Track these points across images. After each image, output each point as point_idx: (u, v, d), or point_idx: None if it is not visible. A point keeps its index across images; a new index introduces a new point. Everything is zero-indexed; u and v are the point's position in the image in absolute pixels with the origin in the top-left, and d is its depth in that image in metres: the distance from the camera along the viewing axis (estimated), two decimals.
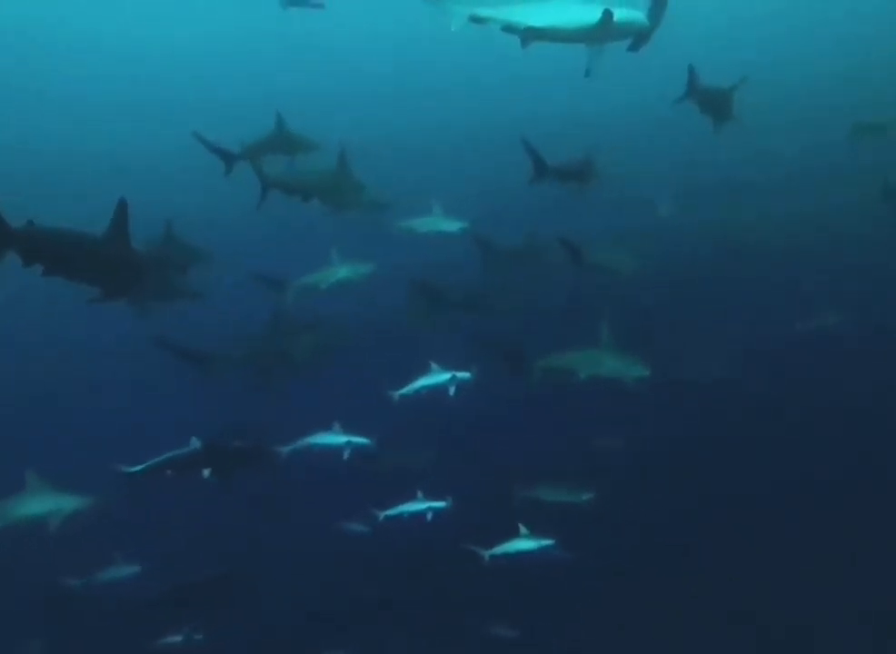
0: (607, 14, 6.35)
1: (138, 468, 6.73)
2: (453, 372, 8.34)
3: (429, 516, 8.25)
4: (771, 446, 9.45)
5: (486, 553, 7.86)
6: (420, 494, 8.34)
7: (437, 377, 8.38)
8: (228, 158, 8.53)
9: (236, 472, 7.00)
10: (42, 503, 7.46)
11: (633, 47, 7.03)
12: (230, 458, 6.97)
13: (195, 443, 6.91)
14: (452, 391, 8.27)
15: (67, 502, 7.48)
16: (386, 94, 23.81)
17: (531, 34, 6.43)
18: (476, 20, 6.44)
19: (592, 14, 6.39)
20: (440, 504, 8.28)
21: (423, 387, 8.34)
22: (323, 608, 8.86)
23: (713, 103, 8.58)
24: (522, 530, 7.96)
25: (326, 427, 8.17)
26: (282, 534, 9.33)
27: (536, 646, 8.58)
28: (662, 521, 9.32)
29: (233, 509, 8.84)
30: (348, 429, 8.13)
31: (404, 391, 8.33)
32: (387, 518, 8.31)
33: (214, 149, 8.55)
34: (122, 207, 5.18)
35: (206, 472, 6.88)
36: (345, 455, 8.03)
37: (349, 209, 9.05)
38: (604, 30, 6.49)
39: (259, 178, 8.02)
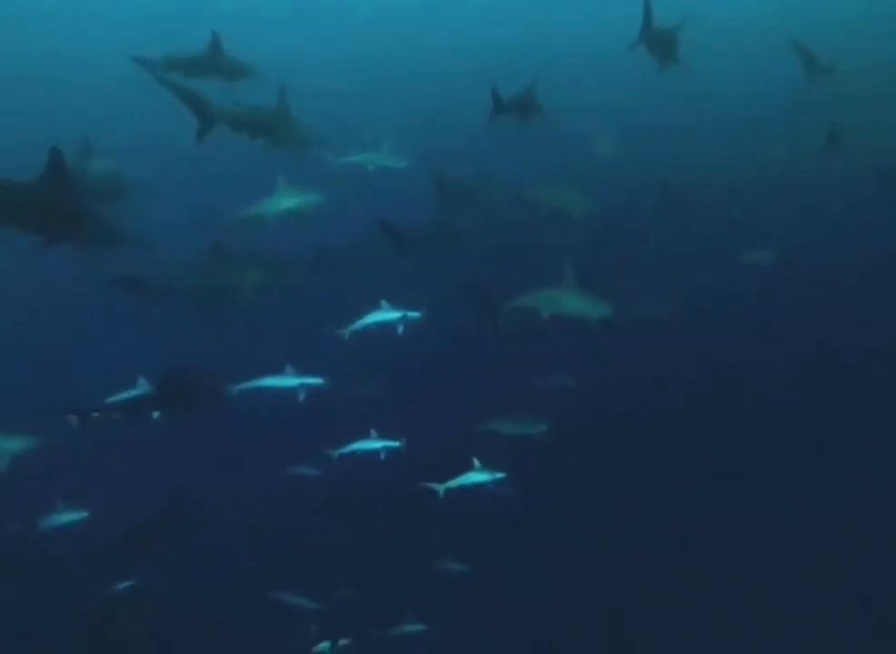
0: None
1: (87, 409, 6.63)
2: (404, 311, 8.45)
3: (383, 455, 8.43)
4: (719, 382, 9.98)
5: (441, 487, 8.09)
6: (373, 433, 8.49)
7: (387, 315, 8.45)
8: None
9: (186, 411, 6.94)
10: None
11: None
12: (180, 395, 6.89)
13: (144, 385, 6.83)
14: (400, 329, 8.39)
15: (13, 443, 7.34)
16: (329, 21, 22.93)
17: None
18: None
19: None
20: (394, 443, 8.45)
21: (373, 324, 8.40)
22: (278, 547, 9.02)
23: (660, 44, 8.68)
24: (476, 463, 8.20)
25: (278, 370, 8.16)
26: (234, 476, 9.38)
27: (486, 581, 9.00)
28: (611, 459, 9.81)
29: (185, 454, 8.83)
30: (300, 369, 8.14)
31: (354, 327, 8.37)
32: (341, 456, 8.41)
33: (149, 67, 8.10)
34: (54, 153, 5.09)
35: (156, 414, 6.83)
36: (300, 396, 8.07)
37: (290, 147, 8.87)
38: None
39: (197, 110, 7.72)
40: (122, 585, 7.82)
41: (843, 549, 8.63)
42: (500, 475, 8.20)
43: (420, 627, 8.78)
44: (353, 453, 8.43)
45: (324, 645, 8.30)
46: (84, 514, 7.80)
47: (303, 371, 8.11)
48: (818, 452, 9.48)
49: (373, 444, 8.46)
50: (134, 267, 7.81)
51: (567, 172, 11.15)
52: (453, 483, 8.09)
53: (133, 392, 6.82)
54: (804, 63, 11.04)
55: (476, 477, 8.17)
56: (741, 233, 12.25)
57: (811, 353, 10.51)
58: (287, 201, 9.22)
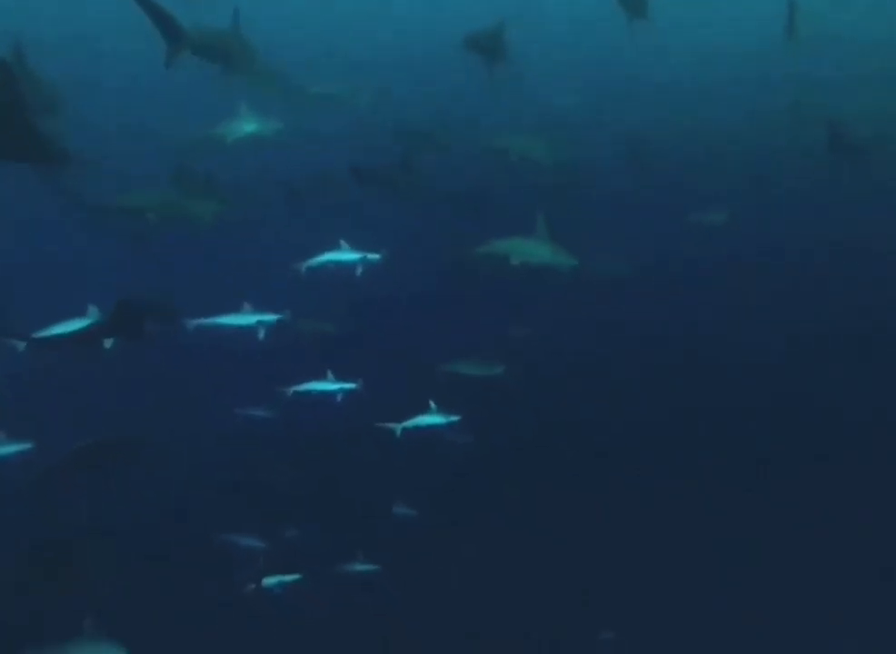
0: None
1: (37, 337, 6.49)
2: (364, 253, 8.46)
3: (339, 397, 8.52)
4: (673, 335, 10.32)
5: (398, 426, 8.26)
6: (329, 375, 8.54)
7: (346, 254, 8.49)
8: None
9: (138, 340, 6.81)
10: None
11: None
12: (132, 324, 6.75)
13: (94, 313, 6.68)
14: (359, 271, 8.42)
15: None
16: None
17: None
18: None
19: None
20: (350, 385, 8.53)
21: (331, 262, 8.41)
22: (227, 484, 9.07)
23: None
24: (432, 405, 8.39)
25: (236, 306, 8.09)
26: (185, 411, 9.35)
27: (437, 525, 9.23)
28: (566, 409, 10.09)
29: (136, 386, 8.74)
30: (257, 304, 8.08)
31: (311, 262, 8.38)
32: (296, 394, 8.47)
33: None
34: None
35: (108, 343, 6.71)
36: (260, 335, 8.04)
37: (247, 75, 8.70)
38: None
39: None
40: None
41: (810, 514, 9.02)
42: (454, 418, 8.43)
43: (371, 566, 8.99)
44: (308, 393, 8.50)
45: (271, 580, 8.42)
46: (28, 445, 7.70)
47: (260, 305, 8.07)
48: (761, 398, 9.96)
49: (330, 386, 8.53)
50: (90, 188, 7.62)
51: (534, 122, 11.26)
52: (409, 423, 8.27)
53: (83, 321, 6.67)
54: (788, 21, 11.20)
55: (431, 419, 8.39)
56: (698, 193, 12.56)
57: (764, 310, 10.92)
58: (249, 125, 9.12)
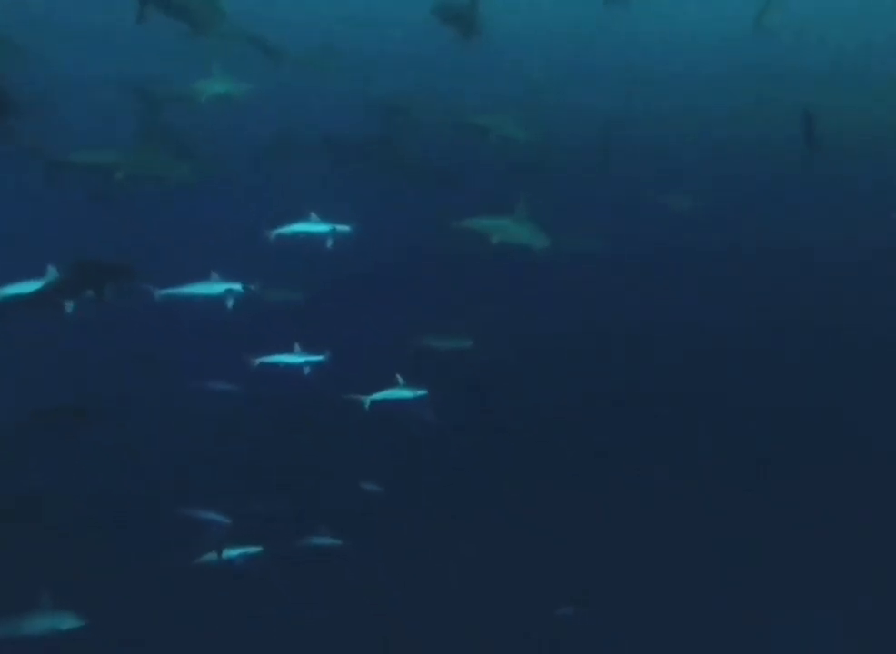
0: None
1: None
2: (334, 224, 8.41)
3: (306, 370, 8.48)
4: (644, 310, 10.54)
5: (367, 399, 8.28)
6: (297, 347, 8.48)
7: (316, 226, 8.43)
8: None
9: (98, 301, 6.65)
10: None
11: None
12: (91, 284, 6.59)
13: (53, 274, 6.51)
14: (329, 243, 8.38)
15: None
16: None
17: None
18: None
19: None
20: (317, 357, 8.49)
21: (301, 232, 8.36)
22: (191, 454, 9.02)
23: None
24: (400, 380, 8.44)
25: (203, 276, 7.97)
26: (149, 379, 9.25)
27: (401, 503, 9.32)
28: (532, 389, 10.23)
29: (100, 353, 8.61)
30: (224, 271, 7.96)
31: (281, 230, 8.32)
32: (262, 365, 8.40)
33: None
34: None
35: (69, 307, 6.57)
36: (229, 304, 7.93)
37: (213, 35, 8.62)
38: None
39: None
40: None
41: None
42: (421, 392, 8.50)
43: (333, 541, 9.02)
44: (275, 365, 8.45)
45: (232, 551, 8.42)
46: None
47: (227, 273, 7.98)
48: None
49: (297, 358, 8.48)
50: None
51: (507, 97, 11.25)
52: (378, 396, 8.32)
53: (39, 282, 6.49)
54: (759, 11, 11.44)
55: (400, 393, 8.44)
56: (668, 177, 12.73)
57: (731, 293, 11.16)
58: (220, 85, 9.02)
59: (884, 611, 8.38)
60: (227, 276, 7.93)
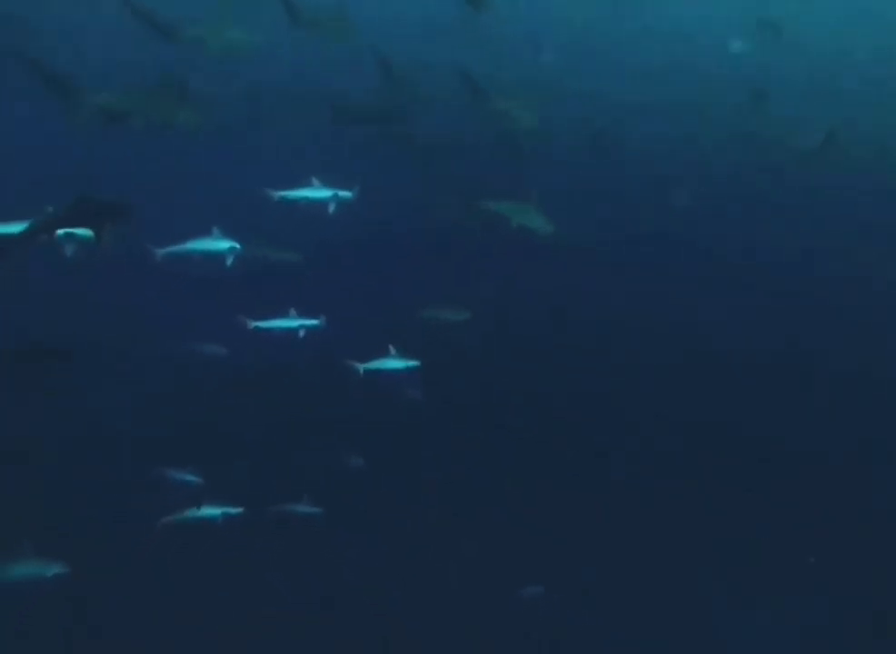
0: None
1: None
2: (336, 190, 8.51)
3: (301, 333, 8.56)
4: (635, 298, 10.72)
5: (361, 367, 8.42)
6: (293, 312, 8.60)
7: (318, 192, 8.50)
8: None
9: (100, 243, 6.63)
10: None
11: None
12: (90, 220, 6.56)
13: (49, 210, 6.51)
14: (332, 208, 8.46)
15: None
16: None
17: None
18: None
19: None
20: (313, 322, 8.59)
21: (303, 199, 8.43)
22: (175, 414, 9.08)
23: None
24: (392, 350, 8.61)
25: (205, 231, 8.06)
26: (138, 335, 9.29)
27: (381, 475, 9.45)
28: (520, 366, 10.40)
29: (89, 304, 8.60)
30: (226, 229, 8.04)
31: (284, 194, 8.38)
32: (257, 329, 8.48)
33: None
34: None
35: (69, 249, 6.58)
36: (228, 262, 8.02)
37: None
38: None
39: None
40: None
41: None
42: (413, 362, 8.65)
43: (315, 510, 9.13)
44: (270, 329, 8.54)
45: (212, 511, 8.51)
46: None
47: (228, 229, 8.03)
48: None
49: (292, 322, 8.58)
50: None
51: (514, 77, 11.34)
52: (371, 365, 8.46)
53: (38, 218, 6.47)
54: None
55: (392, 363, 8.58)
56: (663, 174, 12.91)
57: (722, 292, 11.38)
58: (233, 31, 9.15)
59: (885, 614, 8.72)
60: (229, 232, 8.03)
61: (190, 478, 8.86)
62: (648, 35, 16.03)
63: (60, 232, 6.32)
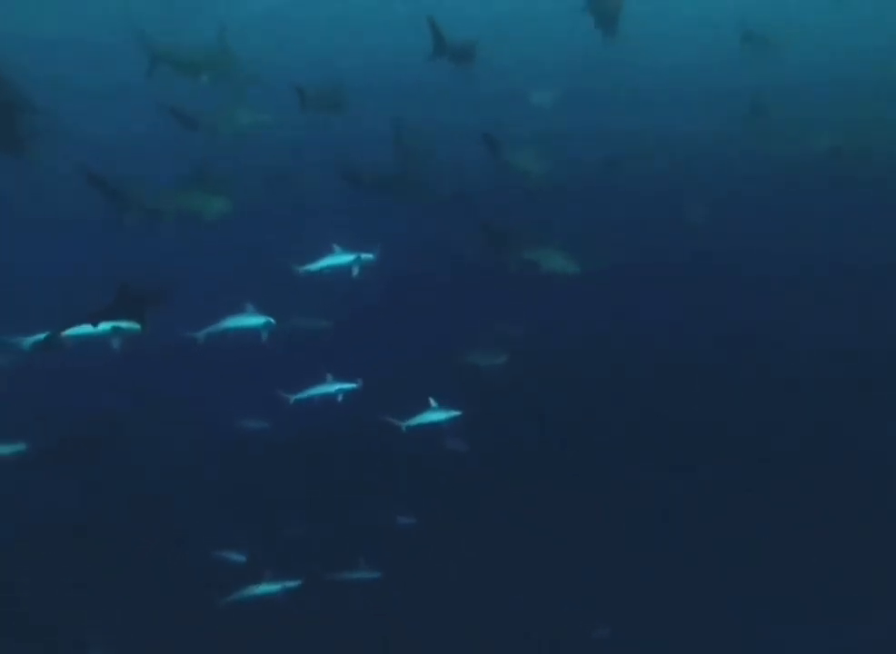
0: None
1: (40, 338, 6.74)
2: (358, 254, 8.78)
3: (340, 397, 8.75)
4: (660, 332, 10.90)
5: (403, 424, 8.59)
6: (329, 377, 8.82)
7: (342, 258, 8.77)
8: None
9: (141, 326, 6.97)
10: None
11: None
12: (135, 307, 6.93)
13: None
14: (355, 271, 8.73)
15: None
16: None
17: None
18: None
19: None
20: (350, 385, 8.80)
21: (328, 266, 8.72)
22: (224, 487, 9.28)
23: (604, 16, 9.38)
24: (433, 403, 8.75)
25: (239, 310, 8.37)
26: (182, 414, 9.56)
27: (434, 533, 9.51)
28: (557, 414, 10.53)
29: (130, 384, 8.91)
30: (252, 302, 8.34)
31: (310, 267, 8.67)
32: (297, 401, 8.70)
33: None
34: None
35: (116, 344, 6.92)
36: (263, 336, 8.29)
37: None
38: None
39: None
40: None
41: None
42: (455, 413, 8.79)
43: (373, 574, 9.18)
44: (309, 398, 8.76)
45: (272, 586, 8.62)
46: (21, 447, 7.87)
47: (259, 304, 8.33)
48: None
49: (330, 388, 8.79)
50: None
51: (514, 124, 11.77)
52: (414, 420, 8.62)
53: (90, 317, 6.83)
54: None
55: (434, 415, 8.74)
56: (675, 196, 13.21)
57: (744, 312, 11.53)
58: (242, 114, 9.74)
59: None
60: (260, 307, 8.30)
61: (237, 557, 9.00)
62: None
63: (107, 326, 6.67)
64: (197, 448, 9.61)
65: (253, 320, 8.34)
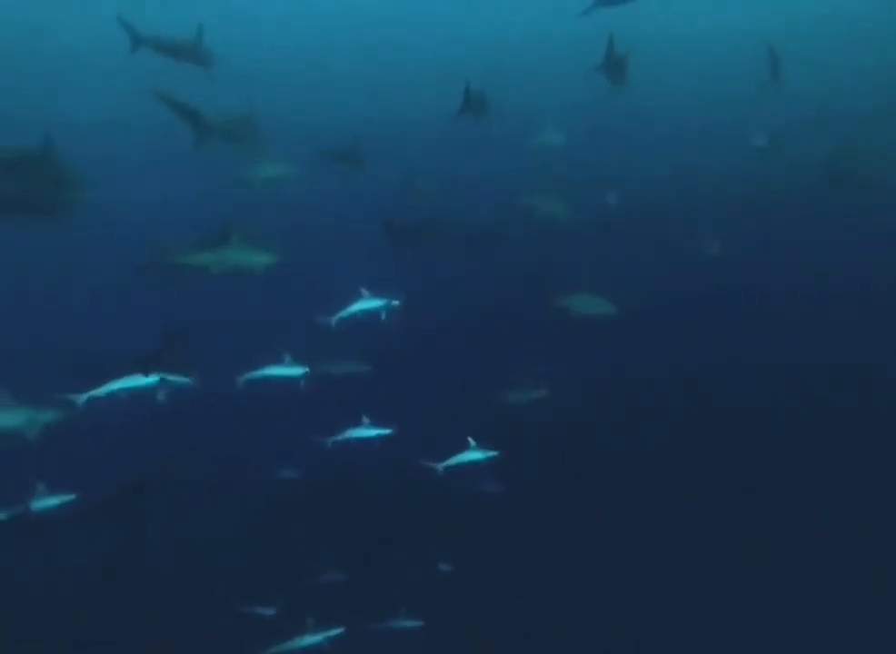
0: None
1: (97, 392, 7.05)
2: (386, 299, 9.13)
3: (376, 442, 8.99)
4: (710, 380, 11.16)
5: (440, 465, 8.75)
6: (366, 420, 9.03)
7: (370, 303, 9.12)
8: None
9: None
10: (17, 415, 7.75)
11: None
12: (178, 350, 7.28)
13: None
14: (384, 316, 9.09)
15: (45, 415, 7.81)
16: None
17: None
18: None
19: None
20: (386, 431, 9.03)
21: (358, 312, 9.09)
22: (261, 532, 9.46)
23: (613, 69, 10.02)
24: (471, 442, 8.89)
25: (277, 359, 8.79)
26: (222, 461, 9.79)
27: (469, 579, 9.57)
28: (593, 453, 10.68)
29: (169, 431, 9.17)
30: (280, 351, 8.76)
31: (342, 314, 9.03)
32: (335, 443, 8.93)
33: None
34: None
35: (161, 396, 7.24)
36: (301, 384, 8.72)
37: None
38: None
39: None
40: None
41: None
42: (492, 453, 8.91)
43: (416, 622, 9.24)
44: (346, 442, 8.99)
45: (314, 638, 8.68)
46: (71, 497, 8.08)
47: (294, 353, 8.69)
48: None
49: (367, 432, 9.03)
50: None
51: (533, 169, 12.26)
52: (451, 461, 8.77)
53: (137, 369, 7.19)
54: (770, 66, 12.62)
55: (472, 455, 8.87)
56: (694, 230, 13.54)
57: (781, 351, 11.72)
58: (273, 168, 10.53)
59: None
60: (296, 355, 8.69)
61: (268, 612, 9.09)
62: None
63: (156, 378, 6.99)
64: (232, 494, 9.81)
65: (291, 369, 8.76)
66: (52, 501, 7.96)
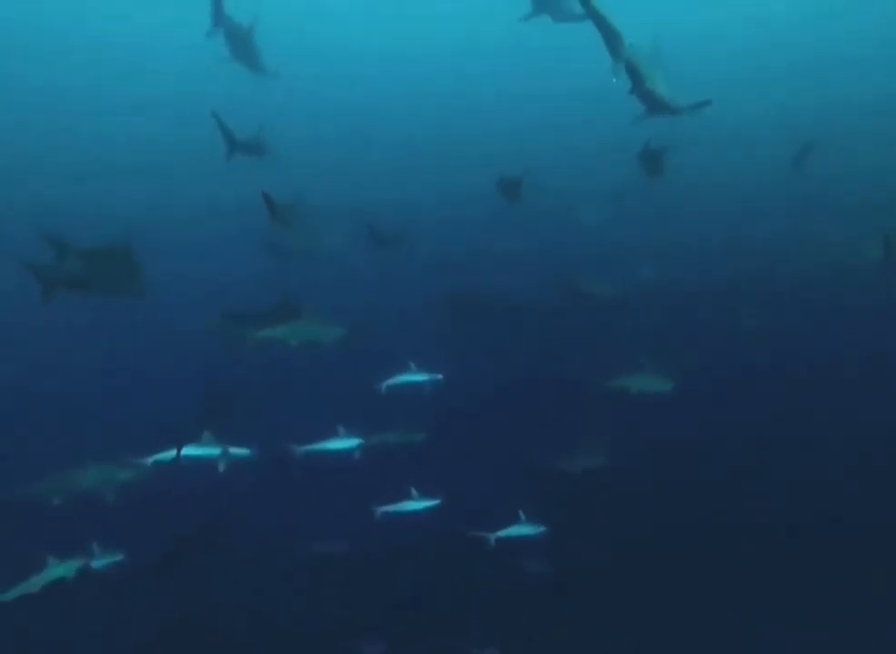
0: None
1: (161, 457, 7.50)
2: (430, 373, 10.15)
3: (423, 512, 9.29)
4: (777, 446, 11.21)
5: (492, 536, 8.96)
6: (414, 492, 9.38)
7: (416, 376, 10.13)
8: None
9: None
10: (96, 474, 8.26)
11: None
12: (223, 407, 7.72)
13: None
14: (427, 389, 10.11)
15: (124, 473, 8.30)
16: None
17: None
18: None
19: None
20: (434, 502, 9.37)
21: (405, 383, 10.04)
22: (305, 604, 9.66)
23: (650, 163, 10.61)
24: (521, 516, 9.15)
25: (332, 432, 9.37)
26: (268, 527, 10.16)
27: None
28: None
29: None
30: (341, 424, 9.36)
31: (390, 383, 9.97)
32: (384, 514, 9.25)
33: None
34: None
35: (222, 467, 7.69)
36: (356, 456, 9.35)
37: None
38: None
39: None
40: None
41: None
42: (542, 528, 9.16)
43: None
44: (395, 513, 9.31)
45: None
46: (120, 557, 8.39)
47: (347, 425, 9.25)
48: None
49: (414, 504, 9.38)
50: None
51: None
52: (502, 533, 9.00)
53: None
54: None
55: (523, 529, 9.10)
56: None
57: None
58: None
59: None
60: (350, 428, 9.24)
61: None
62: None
63: (217, 452, 7.46)
64: (276, 563, 10.05)
65: (346, 442, 9.38)
66: (105, 560, 8.32)
